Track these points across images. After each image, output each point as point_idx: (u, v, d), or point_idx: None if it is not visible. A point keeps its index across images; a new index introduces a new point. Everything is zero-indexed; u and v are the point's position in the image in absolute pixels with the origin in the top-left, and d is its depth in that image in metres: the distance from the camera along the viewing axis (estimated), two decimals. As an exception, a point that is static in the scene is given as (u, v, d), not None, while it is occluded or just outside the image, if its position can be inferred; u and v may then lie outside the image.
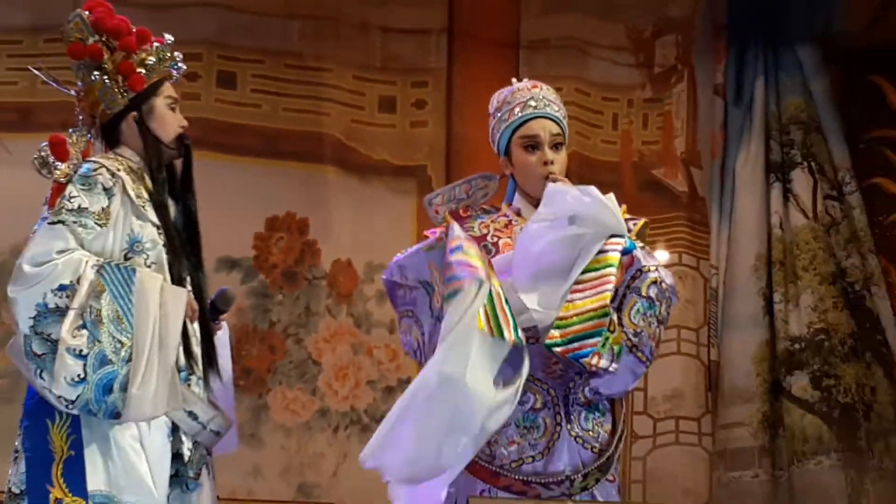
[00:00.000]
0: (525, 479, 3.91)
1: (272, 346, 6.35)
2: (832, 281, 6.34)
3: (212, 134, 6.21)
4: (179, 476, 3.88)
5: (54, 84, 4.11)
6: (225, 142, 6.25)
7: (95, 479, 3.72)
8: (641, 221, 4.15)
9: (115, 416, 3.69)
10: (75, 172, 3.88)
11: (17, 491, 3.77)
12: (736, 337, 6.38)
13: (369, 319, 6.43)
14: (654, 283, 3.93)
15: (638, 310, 3.91)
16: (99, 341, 3.70)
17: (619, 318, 3.91)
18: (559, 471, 3.92)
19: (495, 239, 4.06)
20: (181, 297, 3.83)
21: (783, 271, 6.35)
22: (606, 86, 6.67)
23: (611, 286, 3.84)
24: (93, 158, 3.94)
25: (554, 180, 3.99)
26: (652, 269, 3.94)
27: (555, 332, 3.82)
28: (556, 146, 4.06)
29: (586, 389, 3.96)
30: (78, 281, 3.73)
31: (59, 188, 3.91)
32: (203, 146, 5.95)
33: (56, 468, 3.73)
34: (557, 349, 3.82)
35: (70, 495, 3.71)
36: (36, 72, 4.15)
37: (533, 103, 4.09)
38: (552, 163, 4.03)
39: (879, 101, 6.62)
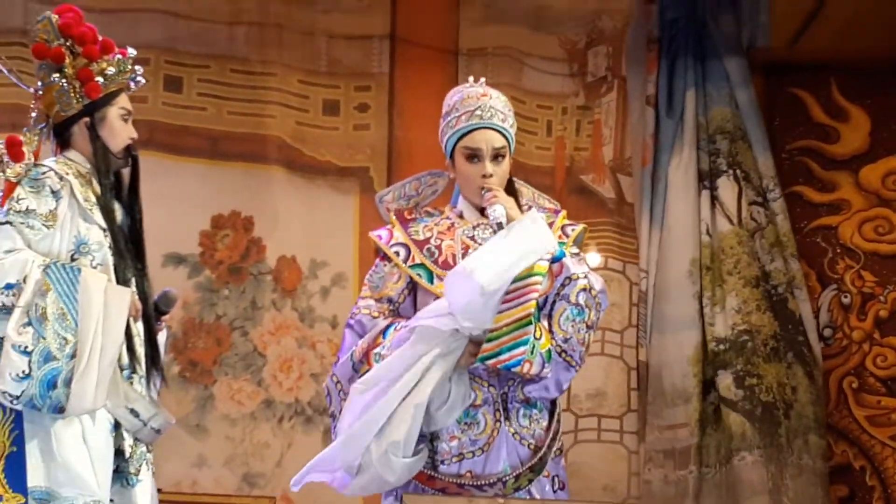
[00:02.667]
0: (459, 482, 3.97)
1: (218, 338, 6.35)
2: (756, 284, 6.36)
3: (159, 135, 6.22)
4: (121, 471, 3.91)
5: (15, 80, 4.14)
6: (172, 143, 6.26)
7: (36, 476, 3.75)
8: (580, 227, 4.20)
9: (59, 410, 3.71)
10: (27, 173, 3.92)
11: None
12: (670, 339, 6.39)
13: (312, 314, 6.44)
14: (584, 290, 3.99)
15: (567, 316, 3.98)
16: (44, 338, 3.72)
17: (549, 325, 3.97)
18: (494, 472, 3.97)
19: (438, 242, 4.09)
20: (125, 297, 3.86)
21: (710, 275, 6.36)
22: (541, 94, 6.69)
23: (535, 294, 3.90)
24: (42, 162, 3.97)
25: (491, 194, 4.03)
26: (581, 276, 3.99)
27: (487, 345, 3.88)
28: (497, 157, 4.09)
29: (523, 386, 4.02)
30: (24, 280, 3.76)
31: (11, 186, 3.94)
32: (151, 147, 6.00)
33: None
34: (490, 361, 3.88)
35: (10, 491, 3.74)
36: (5, 70, 4.18)
37: (479, 113, 4.09)
38: (491, 175, 4.06)
39: (802, 113, 6.67)
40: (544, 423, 4.05)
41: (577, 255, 4.12)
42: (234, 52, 6.47)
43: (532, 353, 3.89)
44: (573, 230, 4.18)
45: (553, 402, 4.09)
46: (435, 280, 4.05)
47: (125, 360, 3.92)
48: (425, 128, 6.54)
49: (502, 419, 4.00)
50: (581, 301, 3.98)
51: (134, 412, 3.92)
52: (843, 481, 6.45)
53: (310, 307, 6.44)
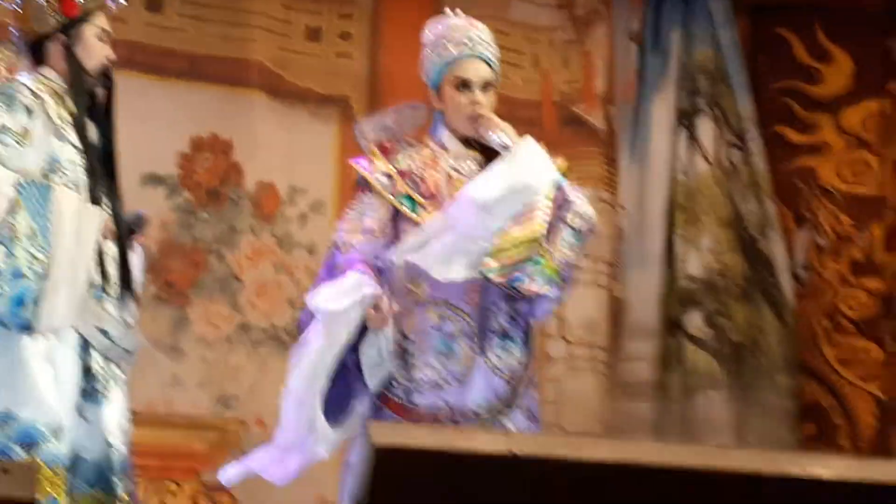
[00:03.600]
0: (435, 414, 3.98)
1: (195, 261, 6.35)
2: (729, 225, 6.41)
3: (139, 55, 6.16)
4: (89, 391, 3.90)
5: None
6: (152, 63, 6.21)
7: None
8: (562, 165, 4.19)
9: (27, 328, 3.72)
10: None
11: None
12: (642, 275, 6.44)
13: (290, 240, 6.44)
14: (579, 214, 4.03)
15: (563, 238, 4.00)
16: (14, 256, 3.72)
17: (552, 247, 3.99)
18: (470, 406, 3.99)
19: (421, 172, 4.10)
20: (97, 216, 3.86)
21: (685, 214, 6.41)
22: (528, 26, 6.66)
23: (541, 213, 3.94)
24: (16, 78, 3.95)
25: (483, 119, 4.04)
26: (577, 200, 4.04)
27: (490, 261, 3.91)
28: (485, 87, 4.09)
29: (501, 317, 4.04)
30: None
31: None
32: (130, 67, 5.96)
33: None
34: (493, 276, 3.91)
35: None
36: None
37: (468, 43, 4.10)
38: (480, 104, 4.07)
39: (786, 54, 6.69)
40: (518, 355, 4.07)
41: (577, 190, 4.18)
42: (216, -27, 6.44)
43: (538, 272, 3.92)
44: (555, 164, 4.19)
45: (526, 334, 4.11)
46: (418, 209, 4.05)
47: (97, 280, 3.91)
48: (408, 59, 6.47)
49: (478, 351, 4.02)
50: (577, 225, 4.02)
51: (104, 332, 3.91)
52: (811, 420, 6.53)
53: (288, 233, 6.45)
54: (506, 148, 3.99)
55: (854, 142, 6.66)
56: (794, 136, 6.68)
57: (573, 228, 4.02)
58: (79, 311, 3.79)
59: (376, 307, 3.90)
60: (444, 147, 4.16)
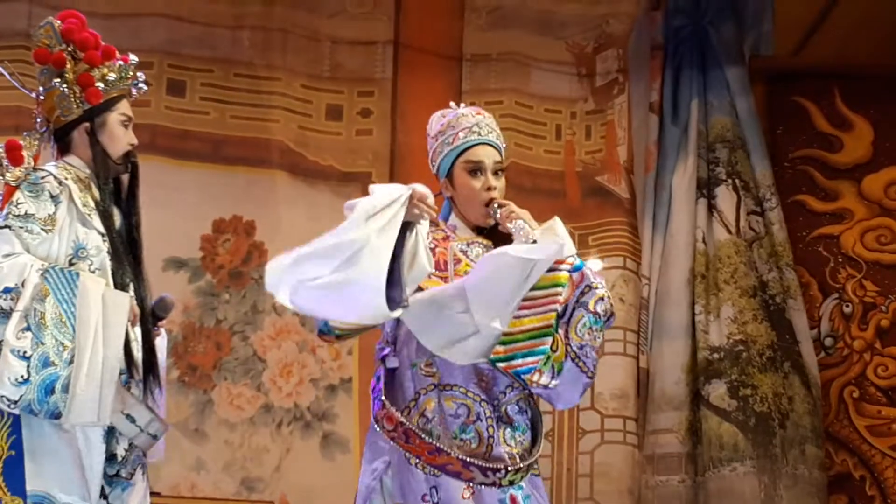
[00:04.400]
0: (466, 459, 3.93)
1: (218, 343, 6.37)
2: (752, 294, 6.38)
3: (161, 139, 6.26)
4: (114, 476, 3.92)
5: (17, 84, 4.16)
6: (174, 147, 6.29)
7: (34, 480, 3.76)
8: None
9: (56, 416, 3.74)
10: (26, 177, 3.94)
11: None
12: (666, 346, 6.41)
13: (313, 319, 6.43)
14: (601, 299, 3.99)
15: (584, 324, 3.97)
16: (42, 343, 3.74)
17: (567, 332, 3.97)
18: (500, 457, 3.97)
19: (433, 246, 4.10)
20: (124, 302, 3.89)
21: (705, 283, 6.39)
22: (549, 98, 6.72)
23: (557, 306, 3.91)
24: (42, 167, 4.00)
25: (499, 205, 4.04)
26: (600, 286, 4.01)
27: (499, 348, 3.88)
28: (497, 173, 4.12)
29: (513, 406, 4.01)
30: (23, 284, 3.78)
31: (10, 190, 3.96)
32: (153, 151, 6.03)
33: None
34: (501, 364, 3.89)
35: (9, 494, 3.76)
36: (6, 73, 4.19)
37: (477, 130, 4.12)
38: (494, 188, 4.09)
39: (805, 122, 6.70)
40: (527, 444, 4.06)
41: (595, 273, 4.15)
42: (237, 57, 6.51)
43: (546, 363, 3.90)
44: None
45: (533, 423, 4.11)
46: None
47: (122, 365, 3.93)
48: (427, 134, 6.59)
49: (495, 433, 4.00)
50: (599, 310, 3.99)
51: (130, 418, 3.93)
52: (842, 491, 6.47)
53: (311, 311, 6.45)
54: (527, 240, 4.01)
55: (876, 209, 6.66)
56: (815, 204, 6.68)
57: (594, 313, 4.00)
58: (110, 406, 3.80)
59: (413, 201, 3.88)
60: (454, 231, 4.18)
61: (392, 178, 6.54)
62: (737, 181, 6.49)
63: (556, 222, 4.04)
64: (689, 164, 6.52)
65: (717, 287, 6.38)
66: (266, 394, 6.34)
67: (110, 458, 3.90)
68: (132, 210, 4.11)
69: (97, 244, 3.98)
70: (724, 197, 6.47)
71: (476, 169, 4.11)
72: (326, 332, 4.04)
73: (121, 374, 3.92)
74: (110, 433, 3.91)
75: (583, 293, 4.00)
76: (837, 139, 6.71)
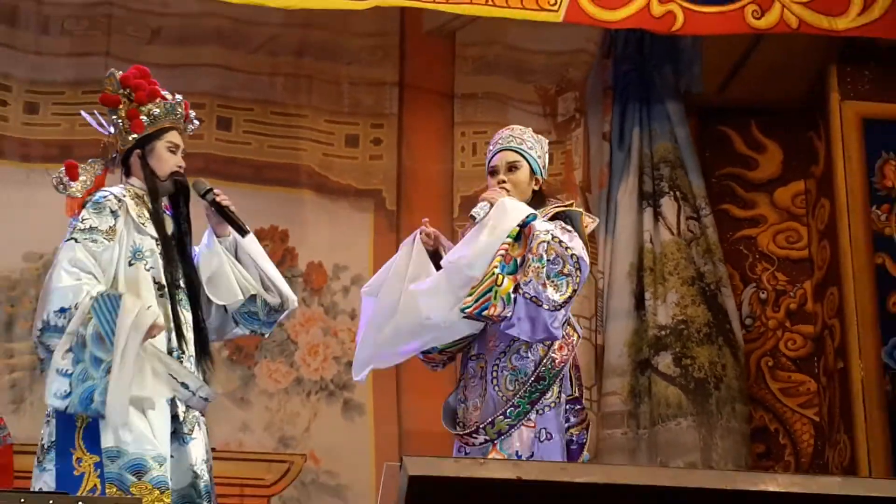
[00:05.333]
0: (461, 434, 3.99)
1: (259, 328, 6.36)
2: (692, 283, 6.36)
3: (212, 165, 6.24)
4: (177, 432, 3.92)
5: (94, 124, 4.15)
6: (223, 171, 6.27)
7: (108, 438, 3.75)
8: (561, 206, 4.19)
9: (101, 416, 3.71)
10: (86, 193, 3.97)
11: (47, 445, 3.82)
12: (613, 326, 6.39)
13: (335, 308, 6.44)
14: (543, 242, 3.92)
15: (528, 263, 3.91)
16: (81, 361, 3.72)
17: (523, 272, 3.90)
18: (473, 421, 3.97)
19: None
20: (145, 321, 3.82)
21: (653, 275, 6.36)
22: (520, 130, 6.72)
23: (502, 253, 3.90)
24: (105, 188, 4.03)
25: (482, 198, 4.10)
26: (542, 232, 3.94)
27: (468, 298, 3.89)
28: (511, 168, 4.15)
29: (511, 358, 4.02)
30: (75, 307, 3.76)
31: (71, 201, 4.00)
32: (206, 174, 5.97)
33: (77, 434, 3.76)
34: (467, 310, 3.87)
35: (87, 453, 3.74)
36: (87, 116, 4.20)
37: (500, 141, 4.20)
38: (504, 182, 4.13)
39: (728, 146, 6.70)
40: (526, 381, 3.99)
41: (565, 228, 4.06)
42: (273, 98, 6.48)
43: (495, 297, 3.84)
44: (555, 208, 4.16)
45: (535, 365, 4.02)
46: None
47: (174, 343, 3.91)
48: (428, 158, 6.61)
49: (489, 379, 3.99)
50: (540, 251, 3.91)
51: (184, 385, 3.91)
52: (761, 441, 6.46)
53: (333, 302, 6.44)
54: (473, 219, 4.03)
55: (786, 215, 6.65)
56: (737, 212, 6.67)
57: (536, 254, 3.91)
58: (161, 380, 3.79)
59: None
60: None
61: (399, 195, 6.53)
62: (677, 193, 6.47)
63: (504, 202, 4.02)
64: (629, 181, 6.48)
65: (664, 278, 6.34)
66: (297, 369, 6.32)
67: (173, 417, 3.89)
68: (182, 219, 4.10)
69: (151, 247, 3.98)
70: (668, 206, 6.44)
71: (492, 171, 4.20)
72: (429, 351, 4.11)
73: (172, 351, 3.90)
74: (171, 399, 3.89)
75: (529, 241, 3.95)
76: (754, 160, 6.70)
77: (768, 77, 6.42)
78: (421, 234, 4.08)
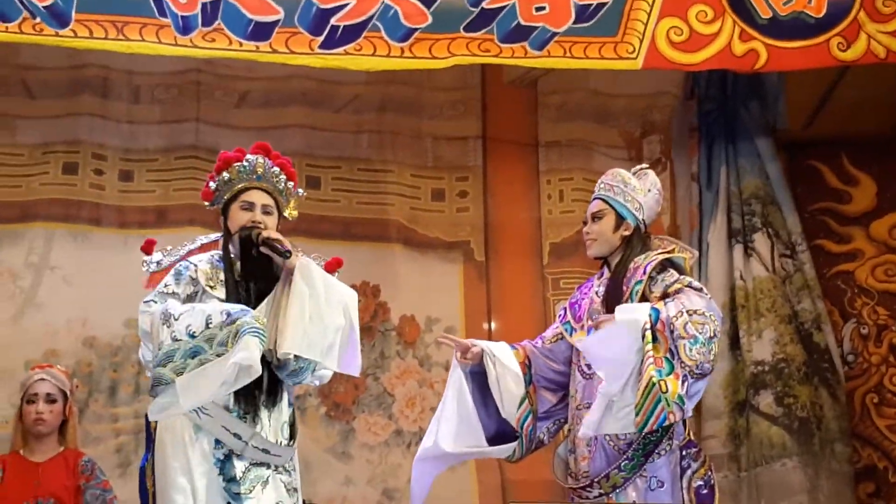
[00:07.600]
0: (574, 487, 3.96)
1: (356, 384, 6.31)
2: (788, 321, 6.21)
3: (303, 224, 6.12)
4: (231, 492, 3.81)
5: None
6: (313, 229, 6.23)
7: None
8: (657, 260, 4.09)
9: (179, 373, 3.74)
10: (162, 266, 4.08)
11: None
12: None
13: (430, 360, 6.40)
14: (686, 323, 3.84)
15: (684, 350, 3.82)
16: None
17: (680, 362, 3.81)
18: (584, 472, 3.90)
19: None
20: (242, 378, 3.78)
21: (746, 311, 6.20)
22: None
23: (651, 362, 3.80)
24: (188, 259, 4.09)
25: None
26: (675, 315, 3.85)
27: (637, 418, 3.79)
28: (594, 218, 4.15)
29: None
30: (207, 323, 3.80)
31: (153, 277, 4.10)
32: (295, 234, 5.99)
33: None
34: (645, 430, 3.81)
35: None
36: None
37: (595, 190, 4.27)
38: (588, 233, 4.16)
39: (820, 181, 6.57)
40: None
41: (671, 290, 3.97)
42: (359, 155, 6.49)
43: (668, 405, 3.76)
44: (650, 265, 4.05)
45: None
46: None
47: (231, 402, 3.86)
48: (514, 207, 6.56)
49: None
50: (690, 331, 3.83)
51: (236, 435, 3.84)
52: (870, 479, 6.27)
53: (427, 355, 6.41)
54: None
55: (883, 248, 6.49)
56: (832, 247, 6.52)
57: (690, 336, 3.82)
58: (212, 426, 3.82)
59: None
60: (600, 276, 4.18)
61: (487, 245, 6.49)
62: (770, 230, 6.32)
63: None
64: (717, 220, 6.36)
65: (759, 314, 6.18)
66: (396, 421, 6.29)
67: (230, 479, 3.81)
68: (259, 275, 3.99)
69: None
70: (761, 242, 6.29)
71: (584, 221, 4.24)
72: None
73: (231, 410, 3.85)
74: (227, 459, 3.83)
75: (671, 330, 3.83)
76: (847, 193, 6.55)
77: (856, 109, 6.30)
78: (457, 355, 4.01)
